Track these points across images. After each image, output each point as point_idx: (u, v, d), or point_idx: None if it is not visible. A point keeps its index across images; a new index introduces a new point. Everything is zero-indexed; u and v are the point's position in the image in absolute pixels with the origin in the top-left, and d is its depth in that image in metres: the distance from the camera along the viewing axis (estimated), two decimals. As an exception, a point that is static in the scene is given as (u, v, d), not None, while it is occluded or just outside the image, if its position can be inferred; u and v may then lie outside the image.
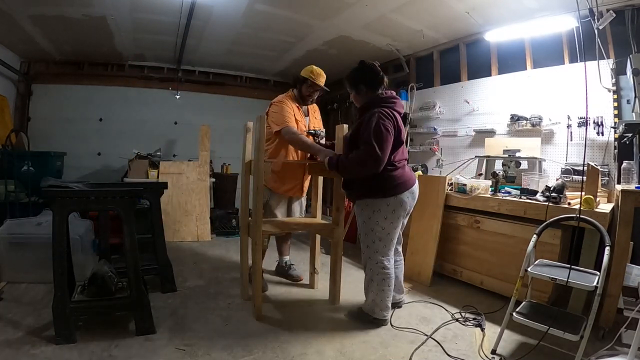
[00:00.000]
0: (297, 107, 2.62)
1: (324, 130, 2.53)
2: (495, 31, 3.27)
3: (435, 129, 3.97)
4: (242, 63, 5.15)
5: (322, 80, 2.59)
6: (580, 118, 2.75)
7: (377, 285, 2.06)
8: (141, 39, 4.14)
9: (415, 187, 2.09)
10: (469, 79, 3.78)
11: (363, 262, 2.16)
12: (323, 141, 2.52)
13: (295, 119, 2.53)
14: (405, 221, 2.19)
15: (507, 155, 2.97)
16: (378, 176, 1.94)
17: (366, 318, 2.12)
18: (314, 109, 2.78)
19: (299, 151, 2.60)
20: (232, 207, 4.88)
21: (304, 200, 2.87)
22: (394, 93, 2.08)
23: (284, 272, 2.92)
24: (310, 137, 2.48)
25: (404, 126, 2.05)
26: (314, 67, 2.58)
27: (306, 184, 2.76)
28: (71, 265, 2.00)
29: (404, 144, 2.04)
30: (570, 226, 2.17)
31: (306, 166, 2.61)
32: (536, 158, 2.88)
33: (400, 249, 2.33)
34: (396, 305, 2.31)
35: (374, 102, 2.00)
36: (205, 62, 5.13)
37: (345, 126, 2.35)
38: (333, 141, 2.38)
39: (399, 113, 2.00)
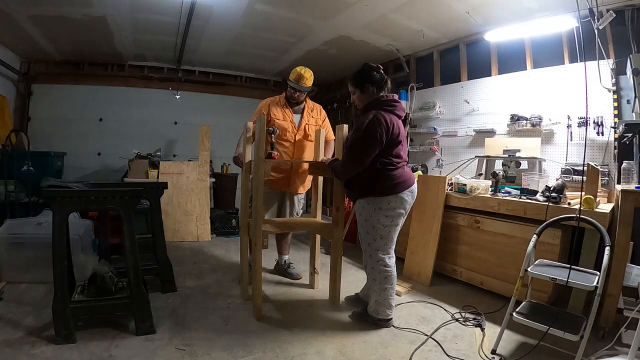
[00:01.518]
0: (284, 104, 2.73)
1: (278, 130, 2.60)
2: (495, 31, 3.27)
3: (435, 129, 3.97)
4: (242, 63, 5.15)
5: (304, 81, 2.65)
6: (580, 118, 2.75)
7: (379, 284, 2.07)
8: (141, 39, 4.14)
9: (415, 187, 2.12)
10: (469, 79, 3.78)
11: (364, 262, 2.17)
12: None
13: (273, 115, 2.66)
14: (403, 220, 2.20)
15: (507, 155, 2.97)
16: (378, 175, 2.00)
17: (371, 320, 2.11)
18: (311, 107, 2.82)
19: (289, 147, 2.70)
20: (232, 207, 4.88)
21: (298, 198, 2.87)
22: (396, 96, 2.12)
23: (282, 270, 2.93)
24: (268, 135, 2.50)
25: (404, 126, 2.07)
26: (298, 69, 2.66)
27: (297, 180, 2.76)
28: (71, 265, 2.00)
29: (404, 144, 2.09)
30: (570, 226, 2.17)
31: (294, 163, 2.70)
32: (536, 158, 2.88)
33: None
34: None
35: (374, 105, 2.05)
36: (205, 62, 5.13)
37: (345, 126, 2.35)
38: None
39: (399, 116, 2.07)
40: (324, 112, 2.90)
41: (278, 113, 2.69)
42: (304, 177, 2.79)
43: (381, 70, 2.11)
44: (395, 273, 2.11)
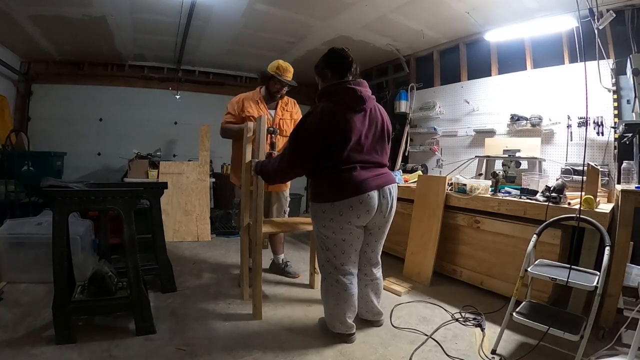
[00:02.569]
0: (259, 100, 2.66)
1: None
2: (495, 31, 3.27)
3: (435, 129, 3.97)
4: (242, 63, 5.15)
5: (289, 75, 2.58)
6: (580, 118, 2.75)
7: (332, 297, 1.85)
8: (141, 39, 4.14)
9: (370, 197, 1.71)
10: (469, 79, 3.79)
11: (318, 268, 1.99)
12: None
13: (247, 112, 2.59)
14: (378, 239, 1.95)
15: (507, 155, 2.97)
16: (315, 178, 1.79)
17: (329, 333, 1.92)
18: (285, 102, 2.74)
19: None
20: (232, 207, 4.88)
21: (284, 196, 2.81)
22: (362, 82, 1.79)
23: (280, 269, 2.93)
24: (268, 135, 2.46)
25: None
26: (280, 61, 2.58)
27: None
28: (71, 265, 2.00)
29: (368, 143, 1.77)
30: (570, 226, 2.17)
31: None
32: (536, 158, 2.88)
33: (376, 271, 2.02)
34: (375, 323, 2.08)
35: (322, 94, 1.79)
36: (205, 62, 5.14)
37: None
38: None
39: (353, 108, 1.72)
40: (297, 105, 2.80)
41: (252, 109, 2.60)
42: None
43: (344, 53, 1.81)
44: (353, 291, 1.84)
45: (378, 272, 2.05)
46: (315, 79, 1.92)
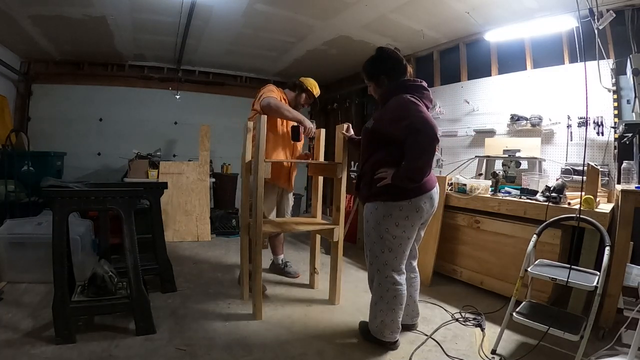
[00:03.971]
0: (285, 101, 2.71)
1: None
2: (495, 31, 3.27)
3: (435, 129, 3.96)
4: (242, 63, 5.15)
5: (317, 94, 2.80)
6: (580, 118, 2.75)
7: (387, 303, 1.79)
8: (141, 39, 4.14)
9: (435, 192, 1.79)
10: (469, 79, 3.78)
11: (370, 275, 1.89)
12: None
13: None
14: (422, 233, 1.96)
15: (507, 155, 2.97)
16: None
17: (374, 340, 1.89)
18: None
19: (288, 146, 2.70)
20: (232, 207, 4.89)
21: (291, 193, 2.90)
22: (425, 83, 1.81)
23: (280, 270, 2.96)
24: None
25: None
26: (314, 81, 2.75)
27: (292, 178, 2.83)
28: (71, 265, 2.00)
29: None
30: (570, 226, 2.17)
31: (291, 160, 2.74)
32: (536, 158, 2.88)
33: (415, 264, 2.04)
34: (412, 327, 2.05)
35: (399, 88, 1.74)
36: (205, 62, 5.13)
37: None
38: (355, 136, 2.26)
39: (427, 107, 1.72)
40: None
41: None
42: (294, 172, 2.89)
43: (398, 56, 1.82)
44: (405, 292, 1.83)
45: (416, 263, 2.04)
46: (365, 79, 1.90)
